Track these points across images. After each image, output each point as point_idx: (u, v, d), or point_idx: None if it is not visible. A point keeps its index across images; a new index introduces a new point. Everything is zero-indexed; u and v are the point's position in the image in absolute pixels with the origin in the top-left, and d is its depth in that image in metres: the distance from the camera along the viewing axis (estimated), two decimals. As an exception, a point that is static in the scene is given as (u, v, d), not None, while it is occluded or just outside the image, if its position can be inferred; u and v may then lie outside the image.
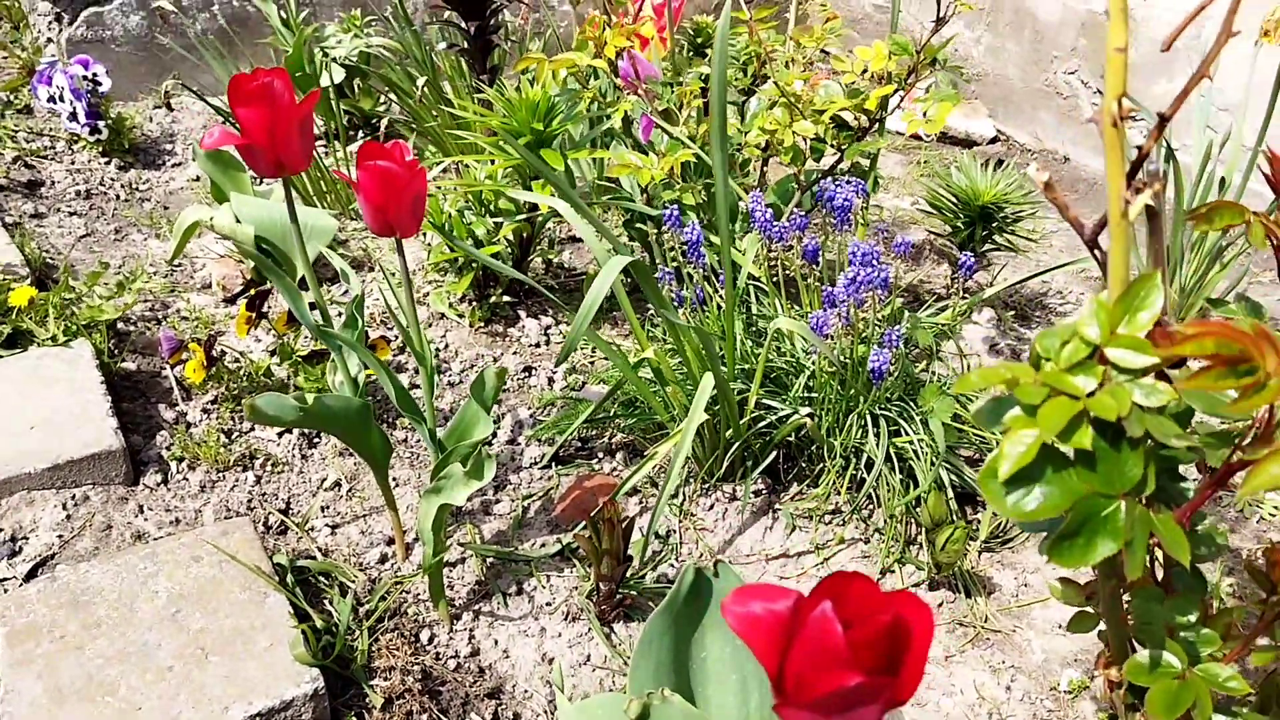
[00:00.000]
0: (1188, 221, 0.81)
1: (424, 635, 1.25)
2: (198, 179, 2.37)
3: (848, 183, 1.42)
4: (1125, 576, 0.87)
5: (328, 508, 1.45)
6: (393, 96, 2.36)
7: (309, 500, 1.46)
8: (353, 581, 1.31)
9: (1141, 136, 2.41)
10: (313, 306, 1.30)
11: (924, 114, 1.38)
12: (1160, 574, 0.87)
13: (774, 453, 1.46)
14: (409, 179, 1.02)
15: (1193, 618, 0.82)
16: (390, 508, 1.33)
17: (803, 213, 1.42)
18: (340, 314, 1.80)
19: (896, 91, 1.42)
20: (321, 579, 1.32)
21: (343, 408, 1.21)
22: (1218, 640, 0.81)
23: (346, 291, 1.90)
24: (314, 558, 1.35)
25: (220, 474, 1.47)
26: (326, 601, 1.28)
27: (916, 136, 3.03)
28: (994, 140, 3.02)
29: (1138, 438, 0.62)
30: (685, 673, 0.90)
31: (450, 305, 1.85)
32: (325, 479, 1.50)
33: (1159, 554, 0.87)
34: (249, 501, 1.43)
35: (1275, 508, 1.53)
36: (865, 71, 1.39)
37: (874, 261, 1.27)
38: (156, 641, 1.12)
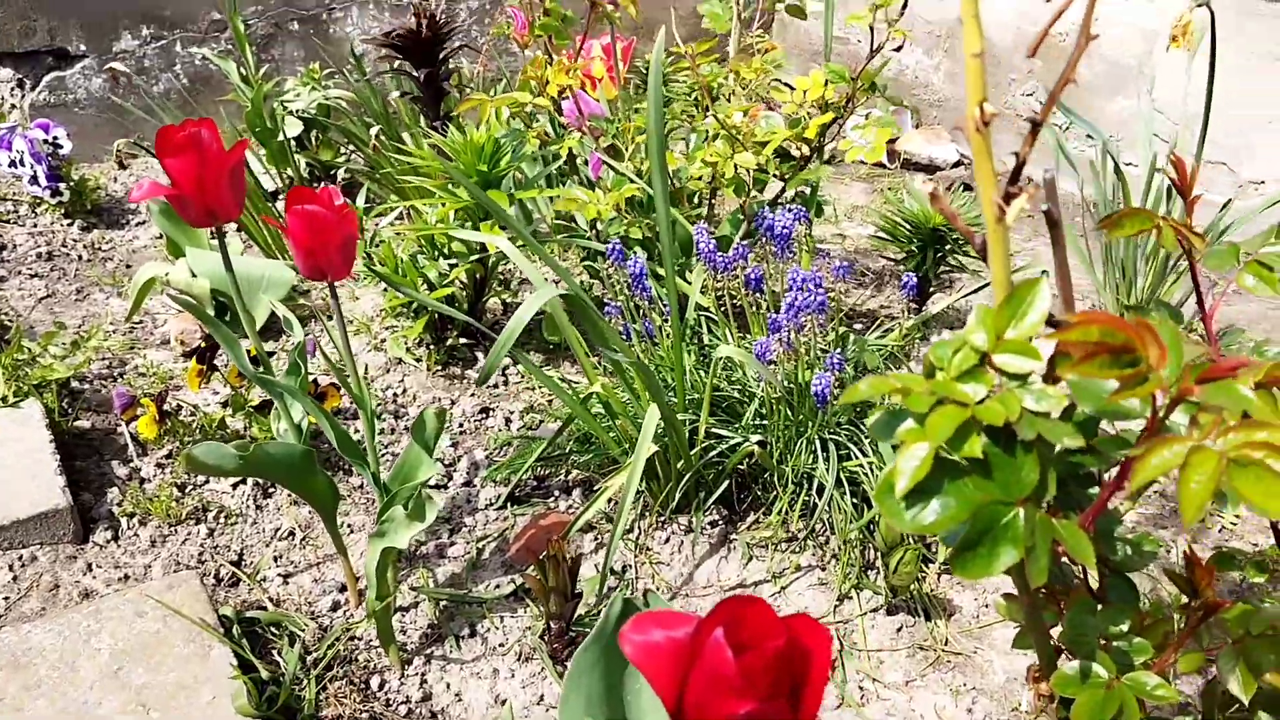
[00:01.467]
0: (1101, 229, 0.81)
1: (374, 682, 1.24)
2: (161, 236, 2.37)
3: (788, 211, 1.43)
4: (1058, 591, 0.87)
5: (281, 557, 1.44)
6: (352, 147, 2.38)
7: (262, 550, 1.45)
8: (303, 630, 1.30)
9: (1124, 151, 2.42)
10: (256, 360, 1.30)
11: (864, 141, 1.39)
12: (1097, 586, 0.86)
13: (727, 482, 1.45)
14: (337, 222, 1.02)
15: (1125, 627, 0.82)
16: (341, 554, 1.32)
17: (745, 243, 1.42)
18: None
19: (836, 120, 1.43)
20: (272, 629, 1.30)
21: (285, 455, 1.20)
22: (1150, 649, 0.80)
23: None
24: (265, 608, 1.33)
25: (172, 528, 1.46)
26: (275, 652, 1.26)
27: (881, 165, 3.05)
28: (957, 164, 3.04)
29: (1031, 442, 0.62)
30: (619, 704, 0.89)
31: (407, 349, 1.85)
32: (279, 528, 1.48)
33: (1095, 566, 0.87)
34: (200, 555, 1.42)
35: (1237, 516, 1.52)
36: (803, 102, 1.40)
37: (810, 286, 1.27)
38: (97, 700, 1.11)
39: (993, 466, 0.62)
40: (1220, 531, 1.51)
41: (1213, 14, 1.75)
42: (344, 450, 1.20)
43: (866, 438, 1.38)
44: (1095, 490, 0.73)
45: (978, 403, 0.61)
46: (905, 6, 1.40)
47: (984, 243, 0.71)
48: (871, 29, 1.43)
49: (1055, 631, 0.85)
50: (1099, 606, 0.84)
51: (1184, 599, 0.79)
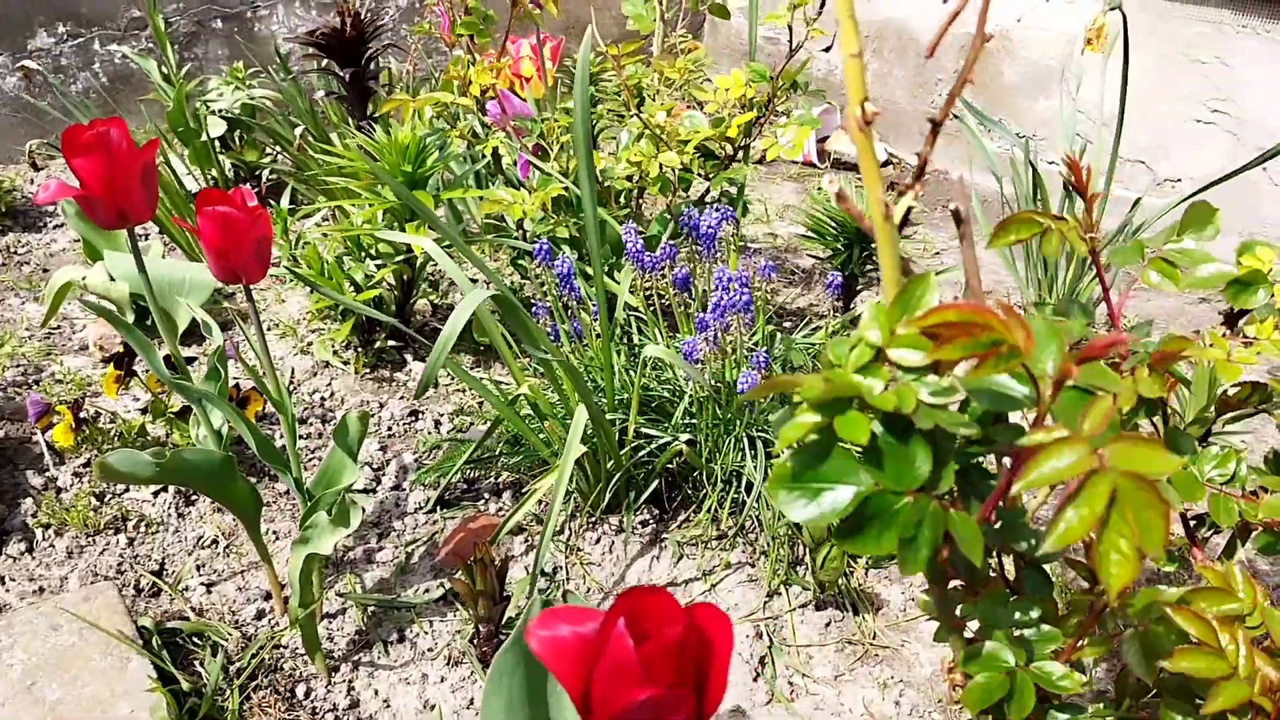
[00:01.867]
0: (991, 245, 0.82)
1: (300, 690, 1.22)
2: (79, 239, 2.31)
3: (714, 210, 1.43)
4: (972, 583, 0.88)
5: (204, 566, 1.41)
6: (278, 147, 2.34)
7: (184, 559, 1.42)
8: (226, 640, 1.28)
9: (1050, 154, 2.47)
10: (174, 365, 1.27)
11: (786, 140, 1.40)
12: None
13: (657, 481, 1.46)
14: (250, 223, 1.00)
15: (1034, 615, 0.83)
16: (265, 561, 1.30)
17: (672, 243, 1.42)
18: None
19: (758, 119, 1.44)
20: (194, 640, 1.28)
21: (203, 461, 1.18)
22: (1058, 638, 0.82)
23: (239, 345, 1.87)
24: (186, 618, 1.31)
25: (90, 539, 1.43)
26: (197, 663, 1.24)
27: (811, 164, 3.08)
28: (886, 164, 3.08)
29: (927, 433, 0.63)
30: (542, 706, 0.89)
31: (334, 353, 1.83)
32: (202, 536, 1.46)
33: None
34: (120, 565, 1.39)
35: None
36: (726, 101, 1.41)
37: (735, 286, 1.28)
38: (10, 716, 1.08)
39: (886, 457, 0.63)
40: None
41: (1125, 17, 1.79)
42: (264, 456, 1.18)
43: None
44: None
45: (874, 395, 0.62)
46: (823, 5, 1.41)
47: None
48: (790, 28, 1.44)
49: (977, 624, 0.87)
50: (1013, 598, 0.85)
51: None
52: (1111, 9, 1.78)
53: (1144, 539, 0.51)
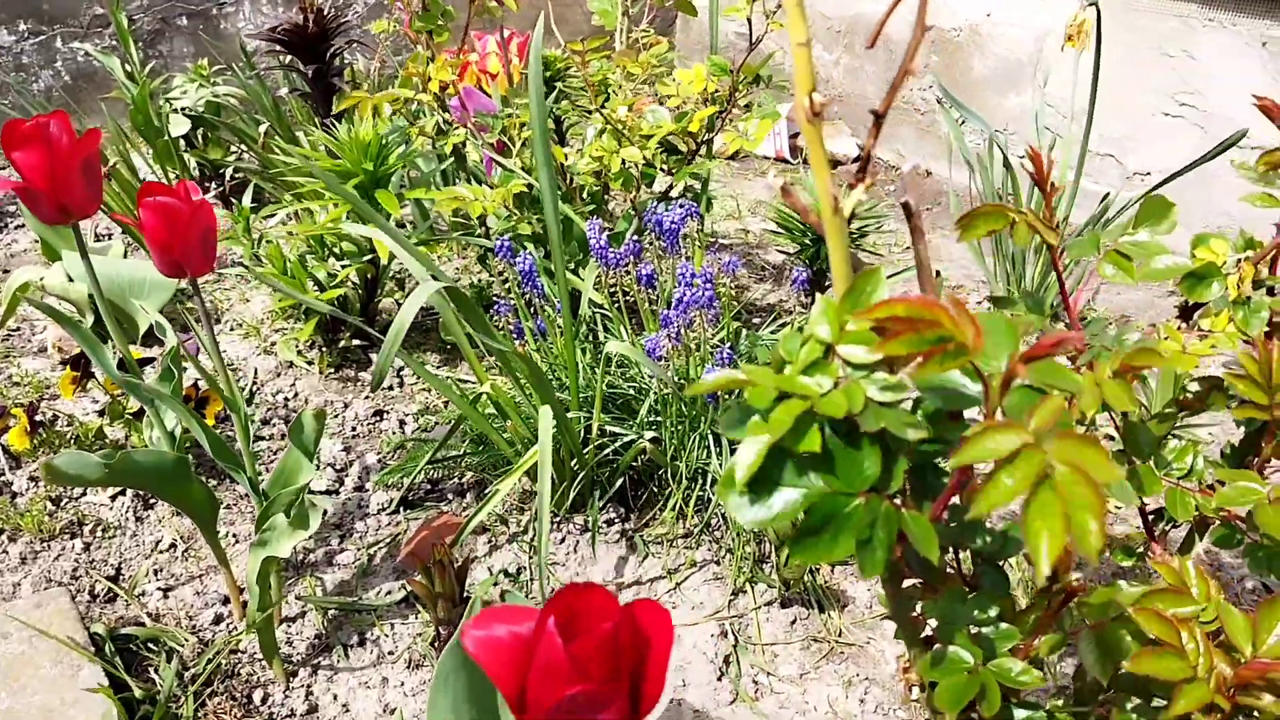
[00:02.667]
0: (956, 229, 0.82)
1: (257, 695, 1.20)
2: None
3: (678, 206, 1.42)
4: (930, 580, 0.87)
5: (161, 570, 1.39)
6: (243, 145, 2.31)
7: (141, 564, 1.39)
8: (182, 645, 1.25)
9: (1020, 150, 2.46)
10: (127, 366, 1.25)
11: (745, 132, 1.39)
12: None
13: (622, 479, 1.44)
14: (192, 215, 0.98)
15: (992, 613, 0.82)
16: (223, 565, 1.28)
17: (636, 239, 1.41)
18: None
19: (721, 113, 1.43)
20: (149, 645, 1.26)
21: (155, 463, 1.16)
22: (1016, 635, 0.81)
23: (188, 347, 1.84)
24: (142, 624, 1.29)
25: (45, 544, 1.40)
26: (152, 669, 1.22)
27: (784, 160, 3.07)
28: (858, 159, 3.07)
29: (875, 433, 0.62)
30: (491, 705, 0.87)
31: (298, 352, 1.80)
32: (160, 540, 1.43)
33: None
34: (75, 570, 1.36)
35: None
36: (688, 96, 1.39)
37: (698, 283, 1.26)
38: (-45, 726, 1.05)
39: (836, 459, 0.62)
40: (1109, 514, 1.54)
41: (1099, 12, 1.79)
42: (218, 457, 1.16)
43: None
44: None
45: (822, 395, 0.61)
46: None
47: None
48: (750, 21, 1.43)
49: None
50: (971, 594, 0.84)
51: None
52: (1090, 4, 1.77)
53: (1078, 540, 0.50)
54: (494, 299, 1.46)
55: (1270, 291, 0.86)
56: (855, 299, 0.61)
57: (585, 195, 1.61)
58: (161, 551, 1.42)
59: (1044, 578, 0.51)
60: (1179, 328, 0.84)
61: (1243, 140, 1.75)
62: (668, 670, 0.55)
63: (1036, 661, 0.84)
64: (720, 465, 1.39)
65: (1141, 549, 0.97)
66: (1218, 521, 0.90)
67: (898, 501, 0.65)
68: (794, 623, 1.34)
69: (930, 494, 0.72)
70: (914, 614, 0.81)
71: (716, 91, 1.40)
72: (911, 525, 0.63)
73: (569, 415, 1.39)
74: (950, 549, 0.86)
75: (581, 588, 0.55)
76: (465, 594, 1.22)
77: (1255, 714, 0.70)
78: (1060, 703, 0.90)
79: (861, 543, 0.63)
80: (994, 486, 0.52)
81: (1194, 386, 0.89)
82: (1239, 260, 0.82)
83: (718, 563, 1.41)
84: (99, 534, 1.43)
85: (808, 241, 1.85)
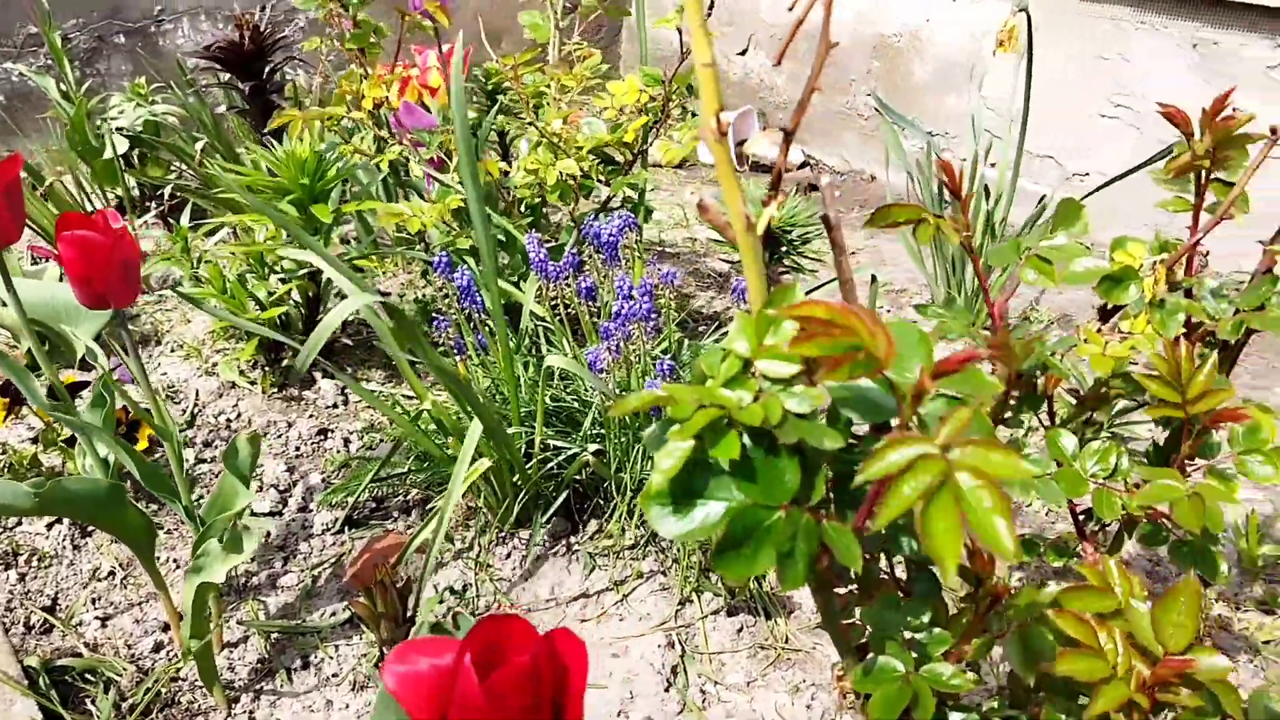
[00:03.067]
0: (868, 226, 0.82)
1: (197, 724, 1.18)
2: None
3: (617, 217, 1.42)
4: (864, 586, 0.88)
5: (99, 599, 1.36)
6: (183, 164, 2.28)
7: (79, 593, 1.37)
8: (121, 675, 1.23)
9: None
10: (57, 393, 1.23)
11: (679, 141, 1.40)
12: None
13: (566, 493, 1.44)
14: (112, 246, 0.97)
15: (925, 619, 0.83)
16: (162, 591, 1.26)
17: (575, 252, 1.41)
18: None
19: (655, 122, 1.43)
20: (87, 676, 1.23)
21: (88, 491, 1.14)
22: (949, 640, 0.81)
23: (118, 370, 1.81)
24: (80, 654, 1.26)
25: (-22, 575, 1.37)
26: (89, 701, 1.20)
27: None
28: (803, 165, 3.10)
29: (794, 445, 0.62)
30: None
31: (240, 372, 1.78)
32: (98, 568, 1.41)
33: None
34: (9, 602, 1.34)
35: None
36: (622, 107, 1.40)
37: (636, 295, 1.26)
38: (-118, 767, 1.03)
39: (757, 471, 0.62)
40: (1046, 515, 1.56)
41: (1030, 18, 1.82)
42: (151, 486, 1.14)
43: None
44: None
45: (741, 407, 0.61)
46: (712, 8, 1.41)
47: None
48: (680, 31, 1.43)
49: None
50: (905, 600, 0.85)
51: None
52: (1020, 10, 1.80)
53: (990, 542, 0.50)
54: (437, 313, 1.46)
55: (1187, 293, 0.87)
56: (771, 315, 0.62)
57: (524, 208, 1.61)
58: (100, 579, 1.40)
59: (950, 578, 0.51)
60: (1099, 330, 0.85)
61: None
62: (584, 695, 0.55)
63: (973, 665, 0.85)
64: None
65: (1074, 549, 0.99)
66: (1144, 519, 0.92)
67: (821, 513, 0.65)
68: (741, 631, 1.34)
69: (853, 504, 0.72)
70: (845, 623, 0.81)
71: (651, 102, 1.40)
72: (833, 536, 0.63)
73: (510, 430, 1.39)
74: (883, 556, 0.87)
75: (500, 619, 0.55)
76: (410, 614, 1.21)
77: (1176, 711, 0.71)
78: (996, 704, 0.91)
79: (783, 555, 0.63)
80: (894, 496, 0.52)
81: (1116, 383, 0.90)
82: (1154, 263, 0.83)
83: (664, 573, 1.41)
84: (35, 563, 1.41)
85: (750, 249, 1.86)
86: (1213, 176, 0.89)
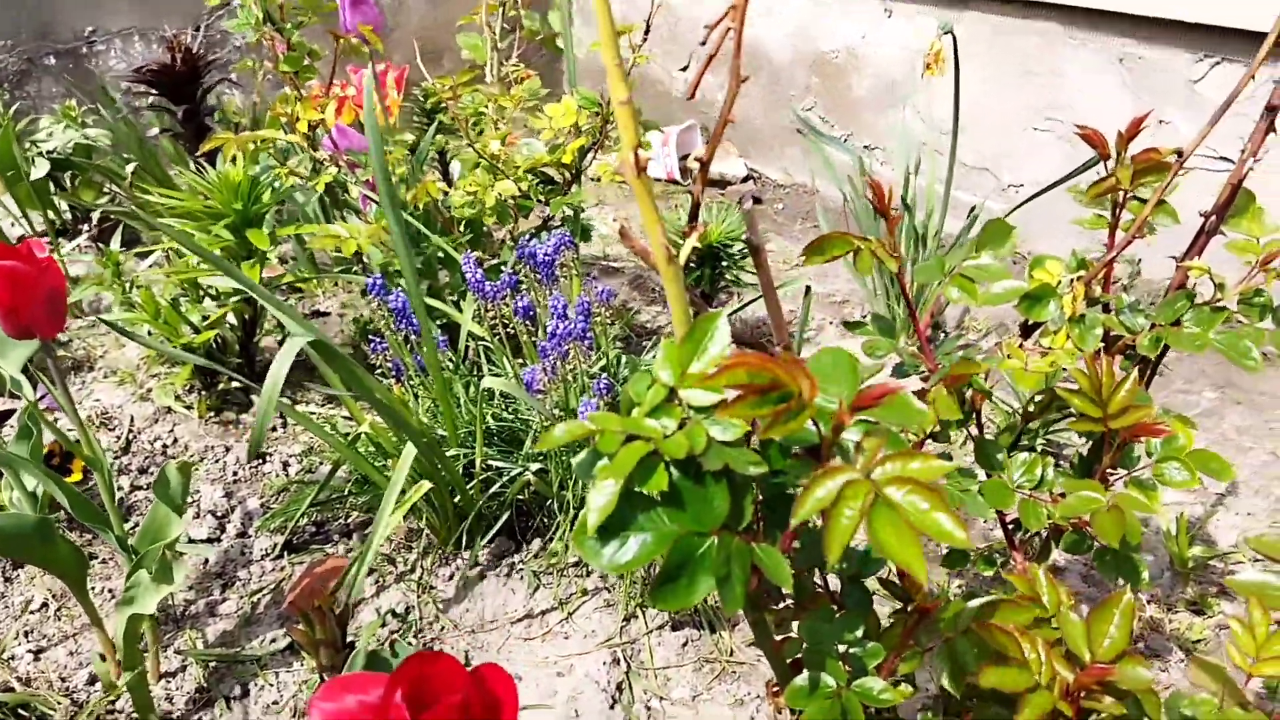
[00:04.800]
0: (803, 256, 0.84)
1: (133, 759, 1.16)
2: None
3: (554, 237, 1.42)
4: (799, 600, 0.89)
5: (32, 631, 1.34)
6: (114, 187, 2.25)
7: (10, 625, 1.34)
8: (54, 709, 1.21)
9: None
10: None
11: (618, 163, 1.40)
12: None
13: (508, 513, 1.44)
14: (38, 277, 0.95)
15: (859, 633, 0.84)
16: (96, 623, 1.24)
17: (512, 272, 1.41)
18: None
19: (593, 143, 1.44)
20: (21, 711, 1.21)
21: (15, 527, 1.11)
22: (882, 653, 0.83)
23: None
24: (12, 689, 1.24)
25: (-96, 612, 1.34)
26: (21, 738, 1.17)
27: (675, 181, 3.11)
28: (747, 179, 3.13)
29: (720, 472, 0.63)
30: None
31: (176, 397, 1.76)
32: (30, 601, 1.38)
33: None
34: (-64, 639, 1.31)
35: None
36: (559, 129, 1.40)
37: (572, 313, 1.27)
38: None
39: (685, 499, 0.63)
40: (985, 523, 1.59)
41: (955, 39, 1.86)
42: (82, 517, 1.12)
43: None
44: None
45: (666, 437, 0.62)
46: (648, 33, 1.42)
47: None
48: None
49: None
50: (839, 613, 0.86)
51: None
52: (945, 33, 1.84)
53: (937, 536, 0.52)
54: (377, 333, 1.45)
55: (1105, 308, 0.90)
56: (694, 344, 0.62)
57: (464, 227, 1.60)
58: (32, 612, 1.37)
59: (924, 578, 0.52)
60: (1021, 345, 0.87)
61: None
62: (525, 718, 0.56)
63: (908, 678, 0.86)
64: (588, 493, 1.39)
65: (1002, 559, 1.01)
66: (1069, 528, 0.94)
67: (749, 536, 0.66)
68: (686, 645, 1.35)
69: (782, 525, 0.73)
70: (779, 639, 0.82)
71: (586, 125, 1.41)
72: (764, 558, 0.64)
73: (450, 452, 1.38)
74: (815, 570, 0.88)
75: (429, 656, 0.55)
76: (350, 639, 1.20)
77: (1100, 716, 0.73)
78: (931, 713, 0.93)
79: (720, 580, 0.64)
80: (835, 526, 0.53)
81: (1040, 398, 0.93)
82: (1072, 280, 0.86)
83: (609, 590, 1.41)
84: (-37, 599, 1.38)
85: (691, 265, 1.87)
86: (1131, 196, 0.92)
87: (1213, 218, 0.96)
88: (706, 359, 0.62)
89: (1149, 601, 1.41)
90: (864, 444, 0.57)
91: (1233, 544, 1.51)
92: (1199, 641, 1.34)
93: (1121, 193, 0.93)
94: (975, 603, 0.76)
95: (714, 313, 0.63)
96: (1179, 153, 0.85)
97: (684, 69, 3.23)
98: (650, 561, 0.63)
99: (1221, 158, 2.10)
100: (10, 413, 1.57)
